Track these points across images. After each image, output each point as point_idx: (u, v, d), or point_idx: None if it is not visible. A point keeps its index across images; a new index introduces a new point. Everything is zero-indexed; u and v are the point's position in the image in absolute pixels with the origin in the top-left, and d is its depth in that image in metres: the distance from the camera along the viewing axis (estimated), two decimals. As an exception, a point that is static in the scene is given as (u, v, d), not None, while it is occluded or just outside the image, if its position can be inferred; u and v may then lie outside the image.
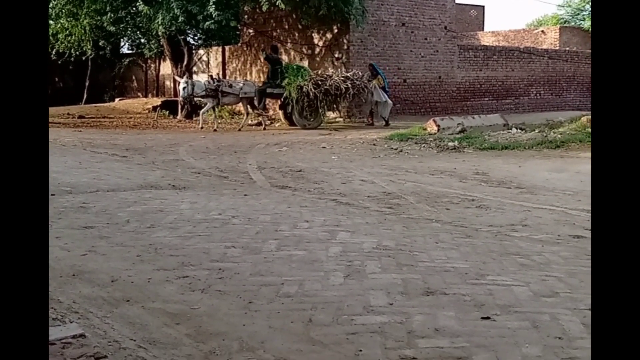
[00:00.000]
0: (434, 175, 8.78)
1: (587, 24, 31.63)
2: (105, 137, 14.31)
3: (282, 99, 16.19)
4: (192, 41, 20.88)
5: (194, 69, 21.55)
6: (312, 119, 16.20)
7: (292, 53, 19.85)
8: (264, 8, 17.40)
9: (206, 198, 6.91)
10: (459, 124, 14.00)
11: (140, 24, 19.05)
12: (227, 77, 21.02)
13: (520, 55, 23.32)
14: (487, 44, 28.38)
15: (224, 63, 22.38)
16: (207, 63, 23.02)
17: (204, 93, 16.01)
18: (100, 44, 20.09)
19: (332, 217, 5.97)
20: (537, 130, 13.19)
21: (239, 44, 21.66)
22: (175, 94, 20.52)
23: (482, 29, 35.31)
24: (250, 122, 17.54)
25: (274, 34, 20.23)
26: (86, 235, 5.11)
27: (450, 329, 3.16)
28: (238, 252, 4.62)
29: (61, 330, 2.89)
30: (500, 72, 22.57)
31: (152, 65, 26.78)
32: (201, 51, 22.25)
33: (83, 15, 18.80)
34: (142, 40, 21.68)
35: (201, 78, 19.85)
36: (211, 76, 17.41)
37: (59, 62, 20.83)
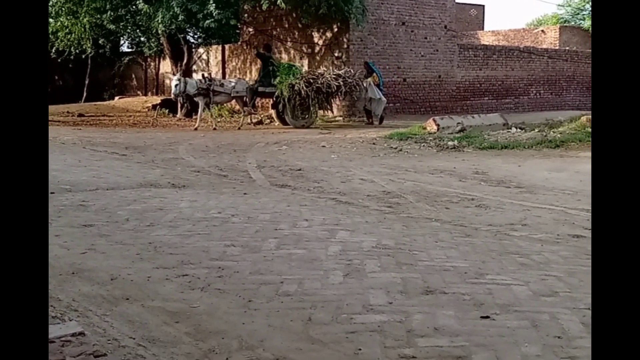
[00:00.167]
0: (434, 175, 8.78)
1: (587, 23, 31.62)
2: (105, 135, 14.30)
3: (274, 98, 16.14)
4: (192, 40, 20.87)
5: (194, 67, 21.53)
6: (304, 118, 16.16)
7: (292, 52, 19.84)
8: (264, 7, 17.38)
9: (206, 197, 6.91)
10: (459, 123, 14.00)
11: (140, 23, 19.04)
12: (227, 76, 21.02)
13: (520, 54, 23.32)
14: (487, 43, 28.37)
15: (223, 62, 22.37)
16: (207, 62, 23.00)
17: (196, 92, 16.00)
18: (100, 42, 20.06)
19: (332, 216, 5.97)
20: (536, 130, 13.19)
21: (239, 43, 21.65)
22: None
23: (482, 28, 35.30)
24: (250, 120, 17.53)
25: (274, 32, 20.22)
26: (86, 234, 5.11)
27: (449, 328, 3.16)
28: (237, 251, 4.62)
29: (60, 328, 2.89)
30: (500, 72, 22.57)
31: (152, 64, 26.77)
32: (201, 50, 22.24)
33: (83, 14, 18.78)
34: (142, 39, 21.67)
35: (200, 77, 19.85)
36: (203, 75, 17.39)
37: (59, 60, 20.80)
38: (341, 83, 15.82)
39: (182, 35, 19.37)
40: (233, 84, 16.54)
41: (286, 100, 15.66)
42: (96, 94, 26.40)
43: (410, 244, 4.91)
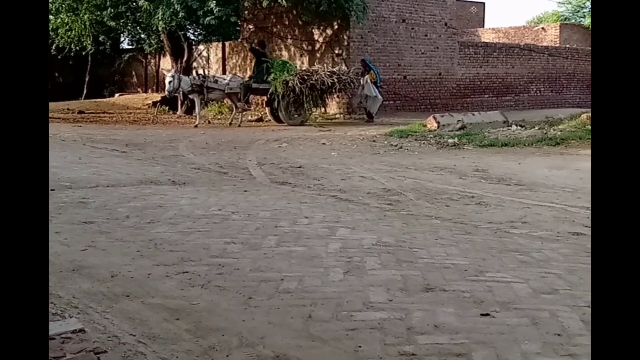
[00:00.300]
0: (434, 172, 8.79)
1: (587, 21, 31.60)
2: (105, 132, 14.30)
3: (268, 95, 16.08)
4: (192, 37, 20.85)
5: (194, 64, 21.51)
6: (298, 116, 16.11)
7: (293, 49, 19.83)
8: (264, 4, 17.36)
9: (206, 194, 6.91)
10: (459, 120, 14.00)
11: (141, 19, 19.02)
12: (227, 73, 21.00)
13: (520, 52, 23.30)
14: (488, 40, 28.35)
15: (224, 59, 22.35)
16: (207, 59, 22.98)
17: (190, 88, 15.97)
18: (100, 39, 20.04)
19: (332, 213, 5.97)
20: (537, 127, 13.19)
21: (239, 40, 21.64)
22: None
23: (483, 26, 35.28)
24: (250, 117, 17.52)
25: (274, 30, 20.20)
26: (86, 231, 5.11)
27: (449, 326, 3.16)
28: (238, 248, 4.62)
29: (61, 325, 2.89)
30: (501, 69, 22.55)
31: (152, 61, 26.75)
32: (201, 47, 22.22)
33: (83, 10, 18.76)
34: (142, 36, 21.65)
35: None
36: (196, 71, 17.36)
37: (59, 57, 20.78)
38: (335, 80, 15.79)
39: (182, 32, 19.36)
40: (227, 80, 16.51)
41: (280, 97, 15.62)
42: (96, 91, 26.39)
43: (410, 241, 4.91)
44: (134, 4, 18.43)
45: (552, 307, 3.45)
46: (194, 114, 17.06)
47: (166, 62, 23.08)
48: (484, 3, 37.48)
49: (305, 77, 15.66)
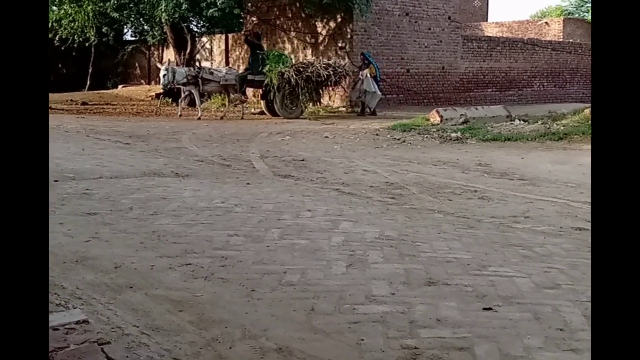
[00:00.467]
0: (437, 166, 8.78)
1: (590, 15, 31.51)
2: (109, 123, 14.31)
3: (263, 88, 16.00)
4: (195, 29, 20.83)
5: (197, 56, 21.49)
6: (294, 108, 16.04)
7: (296, 42, 19.80)
8: (268, -4, 17.34)
9: (209, 186, 6.92)
10: (462, 114, 13.98)
11: (144, 11, 18.99)
12: (230, 65, 20.97)
13: (523, 46, 23.25)
14: (491, 34, 28.28)
15: (227, 51, 22.33)
16: (210, 51, 22.96)
17: (184, 81, 15.90)
18: (103, 30, 20.02)
19: (335, 206, 5.98)
20: (540, 122, 13.17)
21: (242, 32, 21.60)
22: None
23: (486, 20, 35.17)
24: (253, 110, 17.50)
25: (277, 22, 20.17)
26: (89, 222, 5.12)
27: (452, 320, 3.17)
28: (241, 241, 4.63)
29: (64, 316, 2.90)
30: (504, 63, 22.51)
31: (155, 53, 26.71)
32: (204, 39, 22.19)
33: (86, 2, 18.76)
34: (146, 27, 21.62)
35: (203, 66, 19.81)
36: (192, 64, 17.31)
37: (62, 49, 20.78)
38: (331, 72, 15.74)
39: (185, 24, 19.33)
40: (223, 72, 16.47)
41: (275, 89, 15.57)
42: (100, 83, 26.39)
43: (413, 235, 4.92)
44: (138, -5, 18.42)
45: (554, 301, 3.45)
46: (197, 107, 17.04)
47: (169, 54, 23.06)
48: (487, -3, 37.33)
49: (301, 69, 15.61)
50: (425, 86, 20.24)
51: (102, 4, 18.54)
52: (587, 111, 13.51)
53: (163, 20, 18.17)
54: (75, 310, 3.03)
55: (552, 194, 6.88)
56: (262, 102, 16.92)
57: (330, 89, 16.85)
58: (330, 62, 16.31)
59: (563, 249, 4.62)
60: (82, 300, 3.31)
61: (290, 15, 19.84)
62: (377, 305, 3.35)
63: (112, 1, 18.17)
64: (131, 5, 19.05)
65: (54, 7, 19.21)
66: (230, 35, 22.17)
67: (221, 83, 16.13)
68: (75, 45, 20.40)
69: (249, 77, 16.12)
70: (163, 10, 16.90)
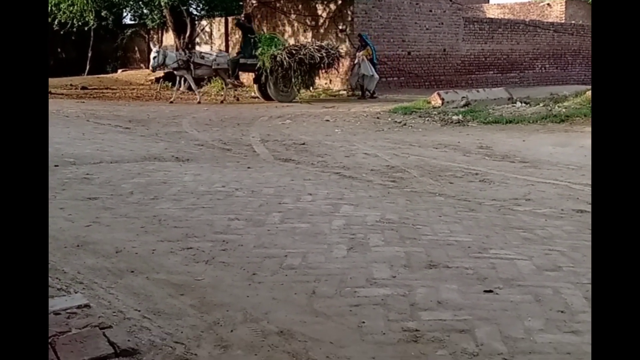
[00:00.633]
0: (438, 149, 8.77)
1: (593, -3, 31.29)
2: (108, 108, 14.28)
3: (256, 71, 15.87)
4: (194, 12, 20.73)
5: (197, 40, 21.40)
6: (287, 92, 15.95)
7: (296, 25, 19.70)
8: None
9: (209, 170, 6.91)
10: (464, 97, 13.94)
11: (143, -6, 18.90)
12: (230, 49, 20.89)
13: (525, 28, 23.13)
14: (493, 16, 28.12)
15: (226, 34, 22.23)
16: (210, 34, 22.86)
17: (175, 65, 15.79)
18: (102, 14, 19.93)
19: (336, 190, 5.97)
20: (541, 104, 13.13)
21: (242, 15, 21.49)
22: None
23: (488, 1, 34.93)
24: (253, 94, 17.44)
25: (277, 5, 20.05)
26: (90, 207, 5.12)
27: (452, 302, 3.17)
28: (242, 225, 4.63)
29: (66, 300, 2.91)
30: (506, 45, 22.41)
31: (155, 36, 26.59)
32: (204, 22, 22.08)
33: (85, -15, 18.65)
34: (145, 11, 21.53)
35: (203, 49, 19.75)
36: (183, 48, 17.19)
37: (61, 33, 20.68)
38: (324, 54, 15.65)
39: (184, 7, 19.23)
40: (214, 56, 16.37)
41: (268, 72, 15.48)
42: (99, 67, 26.31)
43: (414, 218, 4.92)
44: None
45: (555, 284, 3.45)
46: (196, 91, 16.98)
47: (169, 38, 22.97)
48: (489, -22, 37.08)
49: (294, 52, 15.51)
50: (427, 69, 20.16)
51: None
52: (589, 93, 13.46)
53: (162, 3, 18.08)
54: (77, 295, 3.04)
55: (554, 176, 6.87)
56: (255, 86, 16.80)
57: (325, 71, 16.69)
58: (323, 44, 16.22)
59: (564, 232, 4.62)
60: (83, 284, 3.31)
61: (290, -3, 19.73)
62: (378, 288, 3.36)
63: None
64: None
65: (53, -9, 19.12)
66: (229, 18, 22.05)
67: (213, 67, 16.02)
68: (75, 29, 20.30)
69: (241, 60, 15.98)
70: (162, -7, 16.81)
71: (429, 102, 13.86)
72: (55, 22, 19.65)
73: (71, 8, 19.32)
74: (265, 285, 3.40)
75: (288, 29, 19.63)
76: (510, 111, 12.66)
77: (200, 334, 2.78)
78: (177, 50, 16.60)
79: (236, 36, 21.86)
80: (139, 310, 2.99)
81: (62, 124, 10.79)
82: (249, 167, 7.17)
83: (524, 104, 13.38)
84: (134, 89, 20.25)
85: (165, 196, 5.55)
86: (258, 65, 15.51)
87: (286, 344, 2.71)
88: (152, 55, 15.74)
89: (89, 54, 26.33)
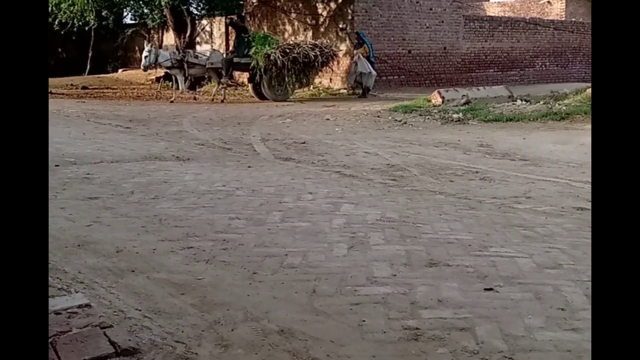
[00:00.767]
0: (438, 147, 8.77)
1: (594, -6, 31.25)
2: (109, 108, 14.28)
3: (250, 70, 15.79)
4: (195, 11, 20.74)
5: (197, 39, 21.40)
6: (281, 91, 15.91)
7: (296, 23, 19.69)
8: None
9: (210, 169, 6.91)
10: (464, 95, 13.93)
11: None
12: (230, 48, 20.88)
13: (526, 26, 23.10)
14: (493, 14, 28.09)
15: (227, 33, 22.21)
16: (210, 33, 22.86)
17: (168, 64, 15.75)
18: (103, 14, 19.94)
19: (336, 189, 5.98)
20: (542, 102, 13.12)
21: (243, 14, 21.49)
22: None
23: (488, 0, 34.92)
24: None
25: (278, 3, 20.05)
26: (91, 206, 5.12)
27: (453, 300, 3.18)
28: (242, 224, 4.63)
29: (67, 300, 2.92)
30: (506, 43, 22.38)
31: (155, 36, 26.58)
32: (204, 21, 22.08)
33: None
34: (145, 10, 21.54)
35: (203, 49, 19.74)
36: (177, 47, 17.16)
37: (62, 33, 20.69)
38: (318, 53, 15.62)
39: (185, 7, 19.23)
40: (208, 55, 16.35)
41: (262, 71, 15.46)
42: (100, 67, 26.32)
43: (414, 216, 4.92)
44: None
45: (555, 281, 3.45)
46: (197, 90, 16.98)
47: (169, 37, 22.97)
48: (489, -24, 37.04)
49: (287, 50, 15.47)
50: (427, 67, 20.15)
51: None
52: (589, 91, 13.44)
53: (163, 3, 18.10)
54: (78, 295, 3.04)
55: (554, 174, 6.87)
56: (250, 85, 16.76)
57: (320, 70, 16.63)
58: (317, 42, 16.19)
59: (564, 229, 4.62)
60: (84, 284, 3.32)
61: (290, -4, 19.72)
62: (379, 287, 3.36)
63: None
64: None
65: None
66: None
67: (207, 67, 16.00)
68: (75, 29, 20.32)
69: (235, 60, 15.94)
70: (162, -8, 16.81)
71: (430, 101, 13.85)
72: (56, 22, 19.66)
73: (72, 8, 19.33)
74: (266, 284, 3.41)
75: (288, 27, 19.63)
76: (510, 109, 12.65)
77: (201, 333, 2.79)
78: (177, 49, 16.55)
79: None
80: (140, 310, 3.00)
81: (62, 123, 10.80)
82: (249, 166, 7.17)
83: (524, 102, 13.37)
84: (134, 88, 20.26)
85: (166, 195, 5.55)
86: (252, 64, 15.48)
87: (287, 342, 2.72)
88: (144, 54, 15.71)
89: (90, 54, 26.35)
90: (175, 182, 6.12)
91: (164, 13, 19.92)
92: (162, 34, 25.69)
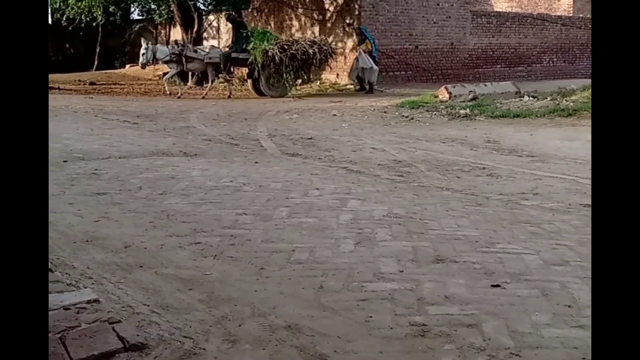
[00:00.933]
0: (445, 143, 8.76)
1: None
2: (117, 103, 14.32)
3: (248, 66, 15.77)
4: (202, 6, 20.74)
5: (204, 34, 21.41)
6: (279, 87, 15.87)
7: (303, 19, 19.68)
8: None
9: (217, 165, 6.93)
10: (471, 91, 13.90)
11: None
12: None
13: (533, 21, 23.02)
14: (500, 9, 27.98)
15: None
16: (217, 29, 22.87)
17: (167, 59, 15.77)
18: (110, 9, 19.97)
19: (343, 184, 5.98)
20: (549, 98, 13.08)
21: (249, 10, 21.48)
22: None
23: (495, -5, 34.79)
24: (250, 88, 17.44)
25: (285, -1, 20.05)
26: (99, 202, 5.15)
27: (460, 297, 3.18)
28: (249, 219, 4.65)
29: (75, 295, 2.93)
30: (513, 39, 22.31)
31: (163, 32, 26.63)
32: (211, 17, 22.08)
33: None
34: (152, 6, 21.56)
35: (210, 44, 19.74)
36: (176, 41, 17.16)
37: (70, 28, 20.75)
38: (316, 50, 15.60)
39: (192, 2, 19.23)
40: (207, 50, 16.36)
41: (260, 67, 15.44)
42: (107, 62, 26.37)
43: (421, 212, 4.92)
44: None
45: (562, 278, 3.45)
46: (204, 85, 16.99)
47: (177, 33, 22.98)
48: (497, -29, 36.88)
49: (285, 47, 15.46)
50: (434, 63, 20.12)
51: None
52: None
53: (170, -2, 18.09)
54: (86, 290, 3.06)
55: (561, 170, 6.85)
56: (249, 81, 16.75)
57: (331, 65, 16.62)
58: (315, 39, 16.18)
59: (571, 226, 4.61)
60: (92, 279, 3.34)
61: (297, -8, 19.71)
62: (385, 283, 3.37)
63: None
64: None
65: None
66: (234, 13, 22.02)
67: (205, 61, 16.00)
68: (83, 25, 20.36)
69: (233, 55, 15.92)
70: (169, -12, 16.82)
71: (437, 96, 13.83)
72: (64, 18, 19.72)
73: (79, 4, 19.37)
74: (273, 279, 3.42)
75: (295, 23, 19.63)
76: (517, 105, 12.62)
77: (208, 329, 2.80)
78: (176, 44, 16.57)
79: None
80: (148, 305, 3.01)
81: (70, 119, 10.84)
82: (256, 162, 7.19)
83: (531, 98, 13.34)
84: (141, 84, 20.29)
85: (174, 191, 5.57)
86: (250, 60, 15.47)
87: (294, 338, 2.73)
88: (142, 51, 15.72)
89: (97, 50, 26.40)
90: (182, 178, 6.14)
91: (171, 9, 19.94)
92: (170, 29, 25.72)
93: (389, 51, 18.57)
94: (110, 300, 3.03)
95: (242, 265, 3.65)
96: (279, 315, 2.95)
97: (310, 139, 9.11)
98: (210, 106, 13.77)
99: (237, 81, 19.31)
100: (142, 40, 17.17)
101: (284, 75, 15.53)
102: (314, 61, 15.77)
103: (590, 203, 5.31)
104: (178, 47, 16.04)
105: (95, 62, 26.16)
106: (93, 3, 19.33)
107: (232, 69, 16.60)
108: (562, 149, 8.30)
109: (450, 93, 13.72)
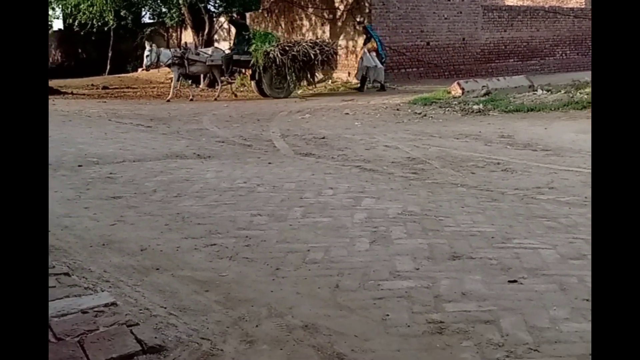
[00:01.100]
0: (459, 139, 8.73)
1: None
2: (130, 107, 14.39)
3: (251, 67, 15.77)
4: (212, 9, 20.78)
5: (215, 36, 21.46)
6: (282, 88, 15.86)
7: (313, 18, 19.67)
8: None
9: (231, 167, 6.95)
10: (484, 86, 13.84)
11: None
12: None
13: (545, 14, 22.87)
14: (512, 3, 27.80)
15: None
16: (228, 31, 22.90)
17: (169, 62, 15.83)
18: (121, 13, 20.07)
19: (357, 183, 5.98)
20: (563, 91, 12.99)
21: (260, 11, 21.52)
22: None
23: (506, -11, 34.62)
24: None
25: (295, -1, 20.05)
26: (114, 205, 5.18)
27: (477, 293, 3.17)
28: (264, 220, 4.65)
29: (93, 299, 2.95)
30: (525, 33, 22.18)
31: (174, 35, 26.75)
32: (222, 19, 22.14)
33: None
34: (163, 9, 21.64)
35: (222, 47, 19.79)
36: (185, 43, 17.21)
37: (82, 33, 20.87)
38: (318, 51, 15.59)
39: (203, 5, 19.29)
40: (209, 53, 16.40)
41: (262, 69, 15.44)
42: (119, 66, 26.53)
43: (436, 209, 4.91)
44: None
45: (580, 272, 3.43)
46: (215, 87, 17.03)
47: (188, 36, 23.07)
48: (507, -35, 36.69)
49: (287, 48, 15.47)
50: (446, 58, 20.04)
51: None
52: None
53: (180, 1, 18.15)
54: (104, 293, 3.08)
55: (577, 163, 6.81)
56: (252, 83, 16.78)
57: (321, 68, 16.58)
58: (317, 40, 16.19)
59: (588, 219, 4.57)
60: (109, 283, 3.36)
61: (307, -9, 19.70)
62: (402, 281, 3.36)
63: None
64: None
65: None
66: (247, 15, 22.06)
67: (207, 64, 16.03)
68: (95, 29, 20.47)
69: (235, 57, 15.94)
70: (180, -9, 16.87)
71: (449, 92, 13.77)
72: (76, 23, 19.84)
73: (91, 9, 19.48)
74: (289, 280, 3.42)
75: (306, 23, 19.63)
76: (531, 99, 12.54)
77: (225, 330, 2.81)
78: (178, 47, 16.66)
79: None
80: (165, 307, 3.03)
81: (84, 124, 10.91)
82: (269, 163, 7.20)
83: (545, 92, 13.25)
84: (154, 87, 20.38)
85: (188, 193, 5.59)
86: (252, 62, 15.50)
87: (311, 338, 2.73)
88: (145, 53, 15.81)
89: (109, 54, 26.56)
90: (196, 180, 6.16)
91: (182, 11, 20.00)
92: (181, 32, 25.82)
93: (401, 48, 18.52)
94: (128, 303, 3.04)
95: (258, 266, 3.66)
96: (295, 315, 2.96)
97: (323, 138, 9.10)
98: (222, 108, 13.81)
99: (248, 82, 19.35)
100: (145, 42, 17.26)
101: (287, 77, 15.55)
102: (316, 62, 15.78)
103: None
104: (181, 50, 16.09)
105: (108, 67, 26.33)
106: (104, 8, 19.44)
107: (234, 71, 16.65)
108: (577, 142, 8.24)
109: (462, 88, 13.67)
